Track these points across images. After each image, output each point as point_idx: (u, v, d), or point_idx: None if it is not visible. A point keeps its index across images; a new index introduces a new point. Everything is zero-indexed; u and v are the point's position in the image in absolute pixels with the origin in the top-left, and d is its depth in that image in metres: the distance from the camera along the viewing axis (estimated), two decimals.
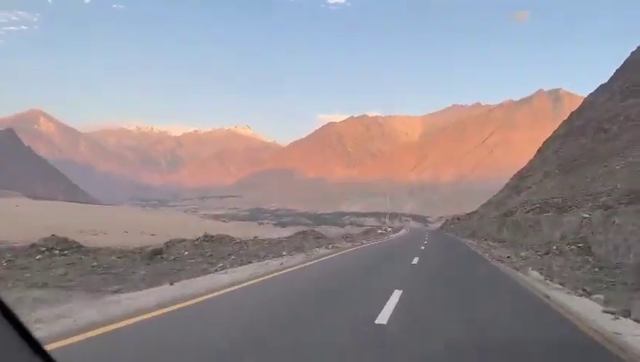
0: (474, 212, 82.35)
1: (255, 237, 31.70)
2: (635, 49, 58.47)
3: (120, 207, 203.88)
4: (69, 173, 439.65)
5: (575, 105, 77.11)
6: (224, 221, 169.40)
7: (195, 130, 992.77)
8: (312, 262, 15.36)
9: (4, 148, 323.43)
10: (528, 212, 35.70)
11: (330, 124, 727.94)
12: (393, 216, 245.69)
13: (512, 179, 72.75)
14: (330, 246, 24.50)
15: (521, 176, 64.36)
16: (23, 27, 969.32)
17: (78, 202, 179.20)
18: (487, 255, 22.53)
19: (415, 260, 17.03)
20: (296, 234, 38.42)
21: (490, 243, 34.15)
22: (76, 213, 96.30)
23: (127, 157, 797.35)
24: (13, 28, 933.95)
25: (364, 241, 34.95)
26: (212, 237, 23.47)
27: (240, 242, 23.81)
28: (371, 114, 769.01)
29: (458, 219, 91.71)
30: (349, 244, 27.82)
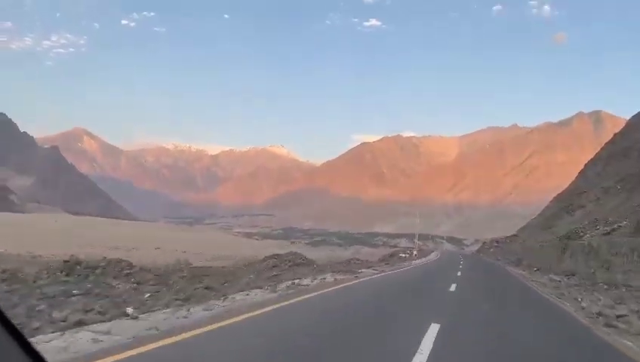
0: (515, 235, 75.84)
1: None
2: None
3: (155, 223, 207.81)
4: (109, 189, 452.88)
5: (617, 127, 74.19)
6: (257, 239, 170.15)
7: (232, 149, 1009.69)
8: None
9: (48, 165, 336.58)
10: (608, 234, 26.81)
11: (364, 143, 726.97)
12: (426, 237, 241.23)
13: (553, 200, 70.12)
14: (306, 282, 14.65)
15: (571, 194, 61.46)
16: (71, 49, 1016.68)
17: (115, 218, 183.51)
18: (567, 306, 13.16)
19: (432, 330, 7.43)
20: (265, 258, 27.80)
21: (553, 276, 24.17)
22: (111, 229, 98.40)
23: (165, 175, 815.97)
24: (61, 50, 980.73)
25: (370, 269, 25.29)
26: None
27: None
28: (406, 134, 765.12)
29: (497, 242, 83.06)
30: (340, 277, 18.12)
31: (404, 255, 55.41)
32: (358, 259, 38.38)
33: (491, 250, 76.04)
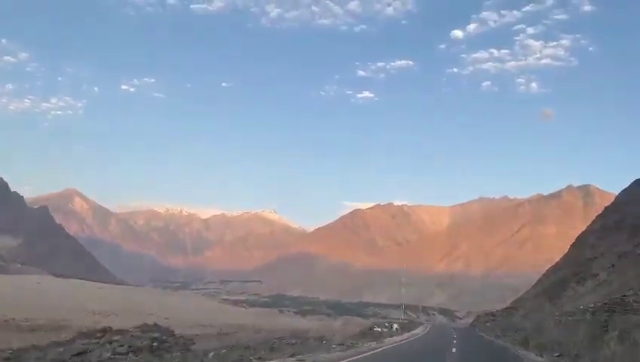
0: (511, 307, 69.75)
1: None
2: None
3: (141, 288, 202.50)
4: (97, 251, 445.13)
5: (606, 202, 74.78)
6: (244, 306, 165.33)
7: (223, 213, 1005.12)
8: None
9: (35, 226, 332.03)
10: None
11: (356, 211, 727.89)
12: (417, 309, 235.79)
13: (549, 270, 69.07)
14: None
15: (575, 263, 60.29)
16: (69, 112, 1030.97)
17: (100, 281, 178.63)
18: None
19: None
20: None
21: None
22: (95, 293, 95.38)
23: (154, 239, 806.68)
24: (59, 112, 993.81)
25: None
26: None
27: None
28: (397, 203, 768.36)
29: (493, 315, 74.95)
30: None
31: (379, 329, 47.52)
32: (323, 338, 31.39)
33: (488, 323, 68.34)
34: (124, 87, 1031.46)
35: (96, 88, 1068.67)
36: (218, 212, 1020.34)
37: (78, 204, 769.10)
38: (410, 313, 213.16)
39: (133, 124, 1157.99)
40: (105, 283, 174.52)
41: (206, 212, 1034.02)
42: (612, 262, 40.57)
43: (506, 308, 73.83)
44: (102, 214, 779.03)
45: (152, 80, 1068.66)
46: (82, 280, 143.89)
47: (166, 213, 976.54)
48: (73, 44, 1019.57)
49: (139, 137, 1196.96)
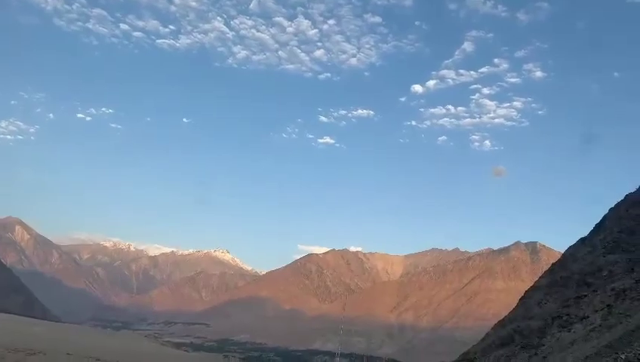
0: (470, 360, 60.89)
1: None
2: (613, 206, 59.94)
3: (78, 326, 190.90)
4: (35, 285, 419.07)
5: (551, 259, 77.19)
6: (186, 350, 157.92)
7: (173, 251, 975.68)
8: None
9: None
10: None
11: (311, 255, 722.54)
12: (370, 359, 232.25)
13: (493, 327, 69.04)
14: None
15: (526, 316, 60.18)
16: (19, 137, 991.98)
17: (33, 317, 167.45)
18: None
19: None
20: None
21: None
22: (27, 330, 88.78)
23: (98, 274, 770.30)
24: (9, 137, 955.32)
25: None
26: None
27: None
28: (353, 249, 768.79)
29: None
30: None
31: None
32: None
33: None
34: (80, 115, 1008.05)
35: (51, 115, 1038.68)
36: (168, 249, 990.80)
37: (18, 233, 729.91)
38: None
39: (87, 154, 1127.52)
40: (38, 319, 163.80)
41: (155, 249, 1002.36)
42: (607, 302, 36.39)
43: (466, 359, 64.39)
44: (44, 246, 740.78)
45: (110, 110, 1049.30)
46: (13, 315, 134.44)
47: (113, 247, 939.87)
48: (30, 69, 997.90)
49: (91, 168, 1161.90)
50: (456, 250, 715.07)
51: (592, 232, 60.33)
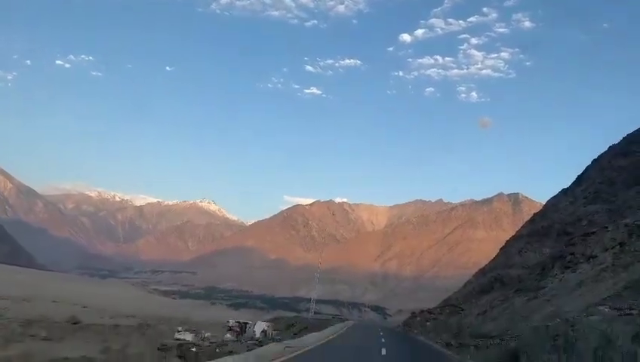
0: (454, 306, 56.21)
1: None
2: (596, 157, 60.33)
3: (65, 274, 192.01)
4: (20, 235, 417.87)
5: (533, 209, 78.40)
6: (174, 298, 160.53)
7: (159, 201, 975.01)
8: None
9: None
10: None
11: (297, 206, 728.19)
12: (352, 305, 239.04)
13: (474, 275, 70.83)
14: None
15: (507, 265, 61.62)
16: None
17: (19, 266, 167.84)
18: None
19: None
20: None
21: None
22: (11, 278, 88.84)
23: (84, 224, 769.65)
24: None
25: None
26: None
27: None
28: (338, 200, 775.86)
29: (430, 313, 61.79)
30: None
31: (230, 334, 33.49)
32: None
33: (428, 323, 53.30)
34: (59, 62, 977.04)
35: (28, 61, 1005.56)
36: (153, 200, 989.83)
37: (1, 183, 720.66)
38: (343, 309, 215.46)
39: (68, 102, 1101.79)
40: (24, 267, 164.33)
41: (140, 199, 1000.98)
42: (621, 240, 31.59)
43: (447, 306, 62.41)
44: (28, 195, 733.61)
45: (91, 57, 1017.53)
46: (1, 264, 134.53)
47: (98, 197, 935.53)
48: (7, 14, 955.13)
49: (74, 116, 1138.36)
50: (440, 201, 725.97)
51: (573, 183, 61.00)
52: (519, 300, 34.12)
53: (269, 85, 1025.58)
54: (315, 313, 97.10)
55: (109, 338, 31.47)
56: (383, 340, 29.87)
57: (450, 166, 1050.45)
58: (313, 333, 28.11)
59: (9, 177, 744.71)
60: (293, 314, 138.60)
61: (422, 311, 67.99)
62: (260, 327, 33.10)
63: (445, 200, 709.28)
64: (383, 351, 22.64)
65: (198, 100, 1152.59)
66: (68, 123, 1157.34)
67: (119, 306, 56.81)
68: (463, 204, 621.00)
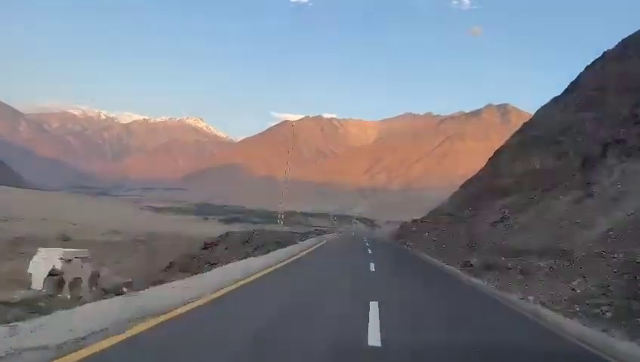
0: (450, 214, 50.14)
1: None
2: (589, 64, 58.66)
3: (54, 193, 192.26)
4: (6, 155, 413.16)
5: (522, 120, 77.73)
6: (166, 214, 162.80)
7: (145, 119, 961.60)
8: None
9: None
10: None
11: (285, 122, 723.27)
12: (342, 218, 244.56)
13: (462, 185, 71.48)
14: None
15: (495, 174, 61.92)
16: None
17: (6, 186, 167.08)
18: None
19: None
20: None
21: None
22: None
23: (71, 143, 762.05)
24: None
25: None
26: None
27: None
28: (327, 115, 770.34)
29: (424, 222, 55.14)
30: None
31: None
32: None
33: (426, 234, 43.79)
34: None
35: None
36: (140, 117, 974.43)
37: None
38: (334, 221, 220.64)
39: (48, 17, 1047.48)
40: (11, 186, 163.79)
41: (127, 117, 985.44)
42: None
43: (444, 214, 53.29)
44: (9, 115, 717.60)
45: None
46: None
47: (82, 115, 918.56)
48: None
49: (52, 31, 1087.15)
50: (429, 114, 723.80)
51: (565, 91, 59.71)
52: (560, 202, 25.82)
53: None
54: (307, 225, 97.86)
55: (100, 255, 31.43)
56: (371, 268, 18.42)
57: (439, 77, 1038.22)
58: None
59: None
60: (287, 227, 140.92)
61: (414, 221, 61.43)
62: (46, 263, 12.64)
63: (434, 113, 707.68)
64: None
65: (182, 15, 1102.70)
66: (42, 36, 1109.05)
67: (109, 223, 56.99)
68: (452, 117, 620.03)
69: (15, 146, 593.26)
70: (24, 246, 32.88)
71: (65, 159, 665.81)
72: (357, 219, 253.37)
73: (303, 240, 31.14)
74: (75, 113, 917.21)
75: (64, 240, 37.31)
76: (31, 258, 12.95)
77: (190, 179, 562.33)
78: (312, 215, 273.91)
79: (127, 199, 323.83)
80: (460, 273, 19.50)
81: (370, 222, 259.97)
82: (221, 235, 38.08)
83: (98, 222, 57.99)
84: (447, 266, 22.05)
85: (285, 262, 17.11)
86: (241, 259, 19.11)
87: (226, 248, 31.84)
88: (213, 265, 22.48)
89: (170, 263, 30.86)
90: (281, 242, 27.94)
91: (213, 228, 74.35)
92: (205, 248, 34.66)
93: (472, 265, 20.52)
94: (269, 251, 21.88)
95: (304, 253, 22.45)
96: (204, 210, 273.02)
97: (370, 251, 28.48)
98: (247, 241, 31.80)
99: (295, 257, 19.77)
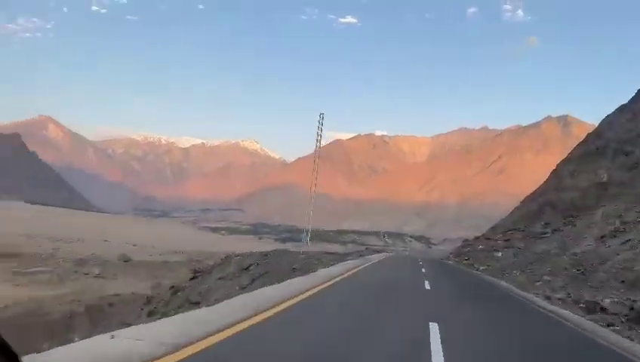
0: (517, 229, 45.29)
1: None
2: None
3: (118, 216, 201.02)
4: (75, 180, 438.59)
5: (584, 131, 73.87)
6: (223, 234, 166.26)
7: (203, 143, 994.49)
8: None
9: (8, 153, 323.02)
10: None
11: (337, 141, 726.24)
12: (396, 236, 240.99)
13: (522, 201, 68.56)
14: None
15: (558, 189, 59.01)
16: (38, 34, 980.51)
17: (76, 209, 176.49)
18: None
19: None
20: None
21: None
22: (67, 221, 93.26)
23: (134, 168, 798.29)
24: (28, 35, 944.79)
25: None
26: None
27: None
28: (379, 133, 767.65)
29: (492, 239, 46.37)
30: None
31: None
32: None
33: (499, 253, 37.21)
34: (94, 7, 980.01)
35: (65, 8, 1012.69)
36: (197, 141, 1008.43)
37: (52, 131, 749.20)
38: (387, 240, 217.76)
39: (107, 49, 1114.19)
40: (80, 210, 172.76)
41: (185, 141, 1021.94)
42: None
43: (510, 230, 46.72)
44: (78, 143, 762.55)
45: (125, 1, 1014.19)
46: (54, 208, 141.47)
47: (144, 141, 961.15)
48: None
49: (112, 62, 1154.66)
50: (485, 128, 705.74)
51: (632, 99, 56.43)
52: None
53: (303, 17, 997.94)
54: (361, 244, 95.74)
55: (159, 275, 32.09)
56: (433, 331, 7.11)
57: (494, 91, 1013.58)
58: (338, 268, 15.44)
59: (60, 126, 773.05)
60: (338, 246, 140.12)
61: (477, 238, 53.75)
62: None
63: (490, 127, 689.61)
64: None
65: (233, 39, 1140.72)
66: (108, 68, 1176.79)
67: (168, 243, 58.49)
68: (508, 130, 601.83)
69: (84, 172, 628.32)
70: (87, 267, 34.19)
71: (129, 183, 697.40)
72: (411, 237, 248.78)
73: (332, 265, 21.20)
74: (137, 139, 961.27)
75: (125, 261, 38.67)
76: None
77: (246, 199, 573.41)
78: (364, 233, 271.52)
79: (186, 220, 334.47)
80: (600, 330, 9.86)
81: (425, 240, 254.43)
82: (222, 259, 33.81)
83: (158, 242, 59.56)
84: (562, 311, 12.40)
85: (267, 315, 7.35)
86: (229, 294, 14.90)
87: (220, 278, 25.92)
88: (195, 304, 18.07)
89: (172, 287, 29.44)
90: (295, 269, 19.34)
91: (266, 246, 74.92)
92: (194, 277, 29.67)
93: (604, 309, 12.19)
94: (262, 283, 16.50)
95: (316, 289, 11.20)
96: (259, 230, 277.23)
97: (427, 285, 16.04)
98: (247, 269, 25.16)
99: (297, 298, 9.31)
